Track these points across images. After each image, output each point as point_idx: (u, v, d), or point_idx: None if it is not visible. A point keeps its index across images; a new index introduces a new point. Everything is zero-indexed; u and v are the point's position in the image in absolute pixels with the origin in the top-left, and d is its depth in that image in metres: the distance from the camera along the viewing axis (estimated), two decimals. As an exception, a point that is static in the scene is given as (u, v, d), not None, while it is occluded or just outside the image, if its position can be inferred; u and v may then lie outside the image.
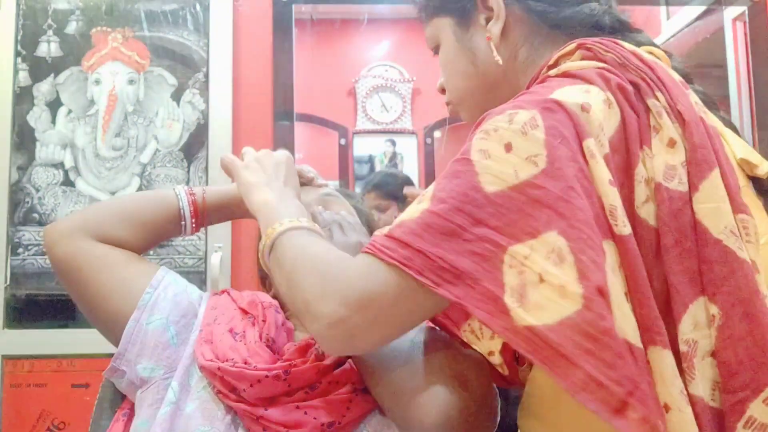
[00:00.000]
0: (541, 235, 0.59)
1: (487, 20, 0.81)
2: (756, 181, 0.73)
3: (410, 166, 2.57)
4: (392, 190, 2.11)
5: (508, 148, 0.62)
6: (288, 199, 0.84)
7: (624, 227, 0.61)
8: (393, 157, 2.57)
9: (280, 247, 0.75)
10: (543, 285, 0.58)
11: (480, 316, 0.60)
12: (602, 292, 0.57)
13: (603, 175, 0.61)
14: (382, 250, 0.64)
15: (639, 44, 0.76)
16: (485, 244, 0.61)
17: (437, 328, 0.86)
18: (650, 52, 0.75)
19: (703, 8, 2.13)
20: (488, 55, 0.81)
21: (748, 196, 0.69)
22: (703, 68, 2.24)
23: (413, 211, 0.65)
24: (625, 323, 0.58)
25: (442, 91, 0.89)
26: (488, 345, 0.85)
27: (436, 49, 0.88)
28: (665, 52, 0.78)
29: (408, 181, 2.24)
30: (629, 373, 0.56)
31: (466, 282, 0.60)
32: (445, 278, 0.61)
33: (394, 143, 2.58)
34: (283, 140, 1.91)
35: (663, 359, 0.59)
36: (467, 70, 0.83)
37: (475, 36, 0.82)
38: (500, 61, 0.80)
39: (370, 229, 1.01)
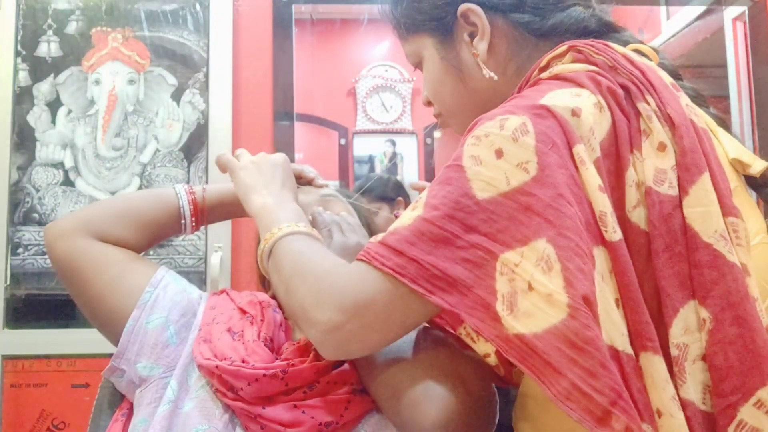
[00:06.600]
0: (530, 243, 0.59)
1: (471, 36, 0.79)
2: (750, 179, 0.72)
3: (410, 167, 2.57)
4: (382, 192, 2.11)
5: (499, 154, 0.62)
6: (286, 203, 0.84)
7: (614, 233, 0.61)
8: (393, 157, 2.57)
9: (278, 253, 0.76)
10: (532, 293, 0.58)
11: (472, 323, 0.60)
12: (588, 301, 0.57)
13: (593, 181, 0.61)
14: (376, 257, 0.64)
15: (625, 43, 0.76)
16: (477, 252, 0.61)
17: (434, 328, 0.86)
18: (637, 50, 0.75)
19: (703, 8, 2.13)
20: (477, 72, 0.80)
21: (742, 195, 0.69)
22: (703, 68, 2.24)
23: (407, 218, 0.65)
24: (613, 330, 0.58)
25: (428, 104, 0.88)
26: (484, 347, 0.85)
27: (418, 65, 0.87)
28: (653, 48, 0.78)
29: (397, 184, 2.24)
30: (613, 383, 0.56)
31: (459, 289, 0.61)
32: (439, 286, 0.61)
33: (394, 143, 2.58)
34: (283, 140, 1.91)
35: (654, 365, 0.59)
36: (456, 88, 0.82)
37: (462, 53, 0.81)
38: (494, 77, 0.78)
39: (370, 229, 1.02)
